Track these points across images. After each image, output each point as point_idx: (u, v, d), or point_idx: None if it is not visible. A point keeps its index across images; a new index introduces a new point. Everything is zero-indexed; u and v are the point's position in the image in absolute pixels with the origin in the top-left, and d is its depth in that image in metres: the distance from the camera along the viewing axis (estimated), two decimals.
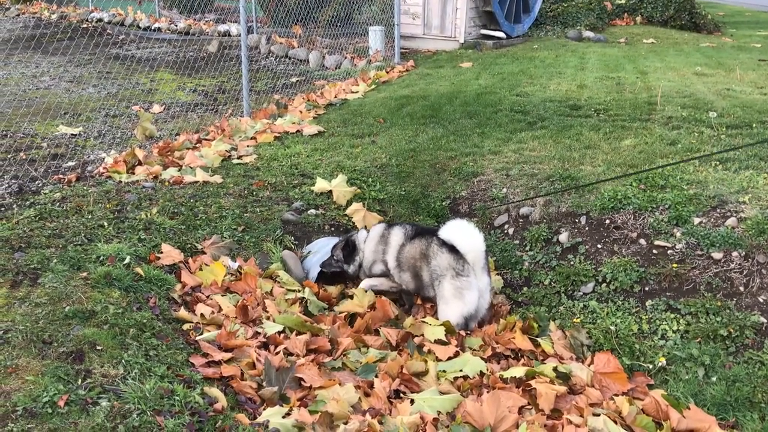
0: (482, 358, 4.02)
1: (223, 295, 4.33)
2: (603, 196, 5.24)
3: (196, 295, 4.26)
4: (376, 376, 3.72)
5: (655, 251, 4.74)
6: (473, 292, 4.33)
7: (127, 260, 4.27)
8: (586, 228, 5.13)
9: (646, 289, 4.55)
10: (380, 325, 4.35)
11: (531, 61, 10.95)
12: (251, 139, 7.16)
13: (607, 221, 5.09)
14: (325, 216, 5.43)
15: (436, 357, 4.00)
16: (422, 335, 4.20)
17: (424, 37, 13.40)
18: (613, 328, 4.32)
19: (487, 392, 3.63)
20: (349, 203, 5.64)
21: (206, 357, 3.58)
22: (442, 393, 3.62)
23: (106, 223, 4.77)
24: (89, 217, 4.86)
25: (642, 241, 4.84)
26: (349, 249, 4.76)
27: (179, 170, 6.06)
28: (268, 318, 4.17)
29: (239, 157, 6.53)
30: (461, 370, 3.87)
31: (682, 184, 5.22)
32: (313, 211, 5.46)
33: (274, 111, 8.12)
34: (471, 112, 7.68)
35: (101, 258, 4.24)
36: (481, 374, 3.87)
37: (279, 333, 3.99)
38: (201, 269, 4.53)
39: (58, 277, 3.94)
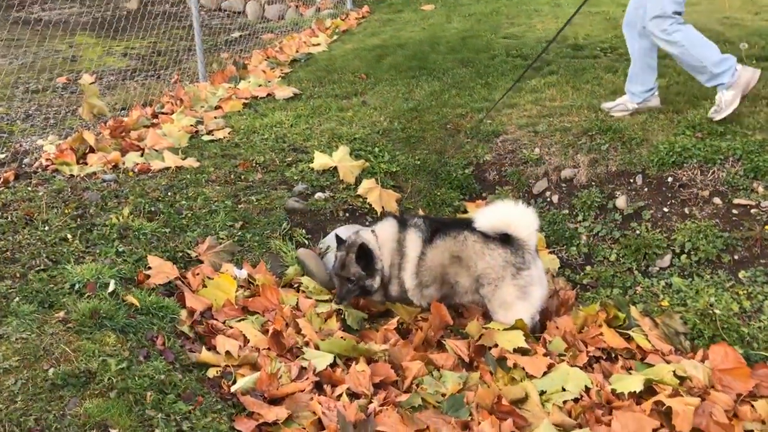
0: (579, 367, 3.28)
1: (242, 319, 3.40)
2: (658, 149, 4.52)
3: (210, 322, 3.31)
4: (471, 415, 2.91)
5: (735, 211, 4.08)
6: (537, 286, 3.54)
7: (111, 286, 3.27)
8: (645, 189, 4.41)
9: (736, 257, 3.89)
10: (441, 335, 3.54)
11: (497, 0, 10.07)
12: (216, 108, 6.07)
13: (670, 179, 4.38)
14: (335, 199, 4.50)
15: (527, 373, 3.22)
16: (496, 345, 3.41)
17: None
18: (712, 311, 3.64)
19: (605, 415, 2.91)
20: (358, 180, 4.72)
21: (252, 417, 2.69)
22: (556, 426, 2.86)
23: (69, 235, 3.71)
24: (45, 228, 3.78)
25: (716, 200, 4.17)
26: (367, 257, 3.61)
27: (142, 155, 4.96)
28: (306, 344, 3.28)
29: (209, 132, 5.46)
30: (563, 389, 3.11)
31: (743, 129, 4.55)
32: (320, 194, 4.51)
33: (233, 73, 6.98)
34: (463, 60, 6.79)
35: (77, 287, 3.22)
36: (587, 389, 3.13)
37: (330, 366, 3.11)
38: (204, 285, 3.57)
39: (27, 323, 2.92)
